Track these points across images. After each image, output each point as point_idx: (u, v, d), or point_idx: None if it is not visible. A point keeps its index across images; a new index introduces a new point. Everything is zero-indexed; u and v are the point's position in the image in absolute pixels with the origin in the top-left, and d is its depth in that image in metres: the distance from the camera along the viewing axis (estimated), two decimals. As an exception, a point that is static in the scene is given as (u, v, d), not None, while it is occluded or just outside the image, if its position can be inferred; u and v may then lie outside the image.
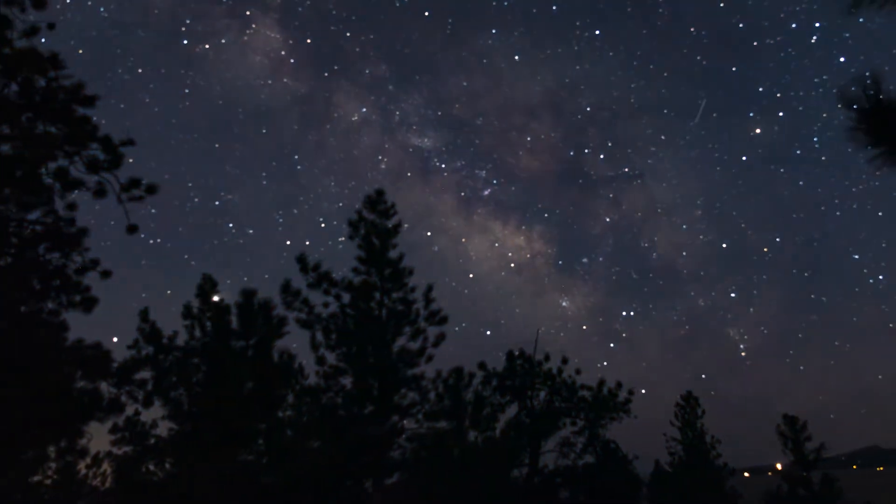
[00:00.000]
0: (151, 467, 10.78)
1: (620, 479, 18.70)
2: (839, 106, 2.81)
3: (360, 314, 12.77)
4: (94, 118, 9.23)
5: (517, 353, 17.99)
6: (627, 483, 19.29)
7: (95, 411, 9.35)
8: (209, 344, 10.74)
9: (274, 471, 9.59)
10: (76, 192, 9.30)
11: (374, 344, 12.58)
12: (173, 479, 9.71)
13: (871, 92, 2.71)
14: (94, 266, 9.65)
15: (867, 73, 2.71)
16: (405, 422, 12.77)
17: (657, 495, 24.17)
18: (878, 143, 2.77)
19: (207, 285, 11.85)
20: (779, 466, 33.05)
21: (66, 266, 9.58)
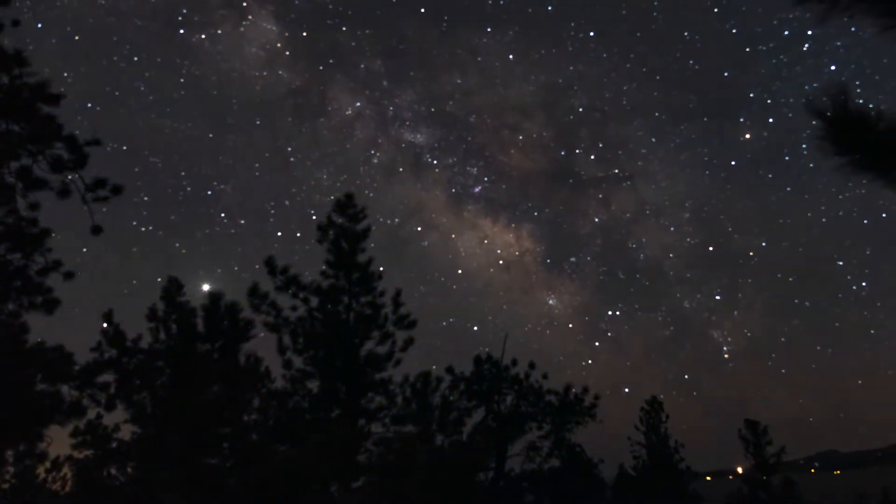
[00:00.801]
0: (113, 471, 10.63)
1: (585, 482, 18.99)
2: (811, 116, 2.87)
3: (328, 318, 12.80)
4: (58, 116, 9.14)
5: (485, 357, 18.16)
6: (592, 486, 19.60)
7: (56, 414, 9.23)
8: (174, 347, 10.66)
9: (239, 474, 9.56)
10: (39, 191, 9.18)
11: (341, 348, 12.62)
12: (135, 483, 9.61)
13: (839, 102, 2.75)
14: (57, 267, 9.53)
15: (835, 84, 2.76)
16: (372, 425, 12.84)
17: (621, 498, 24.56)
18: (843, 153, 2.82)
19: (173, 287, 11.75)
20: (740, 470, 33.85)
21: (28, 267, 9.44)
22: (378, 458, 12.10)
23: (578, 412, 18.81)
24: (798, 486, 30.00)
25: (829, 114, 2.77)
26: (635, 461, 25.49)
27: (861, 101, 2.76)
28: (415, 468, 11.90)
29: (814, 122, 2.84)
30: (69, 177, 9.33)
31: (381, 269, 13.27)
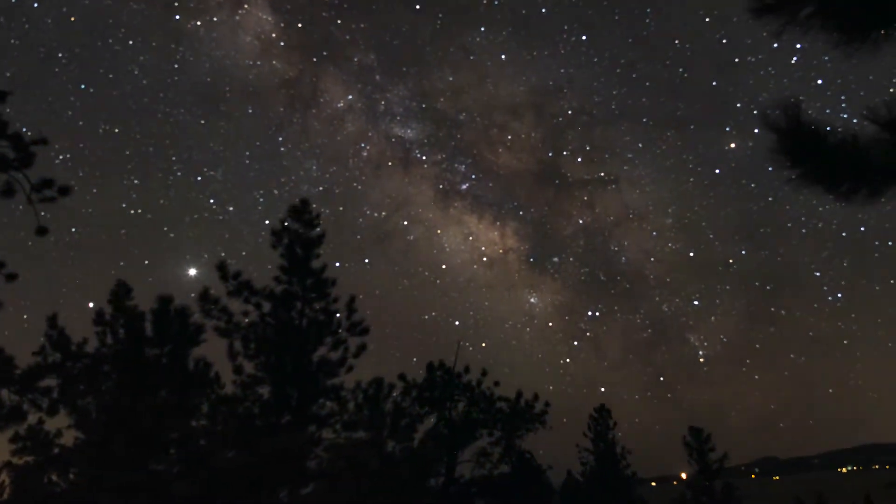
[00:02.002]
0: (54, 478, 10.36)
1: (534, 488, 19.34)
2: (765, 129, 2.96)
3: (280, 323, 12.79)
4: (6, 113, 8.94)
5: (437, 364, 18.35)
6: (540, 492, 19.97)
7: (-6, 419, 8.98)
8: (121, 351, 10.49)
9: (185, 480, 9.46)
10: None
11: (293, 353, 12.62)
12: (77, 490, 9.40)
13: (792, 116, 2.82)
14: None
15: (789, 99, 2.84)
16: (323, 431, 12.86)
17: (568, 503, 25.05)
18: (795, 165, 2.90)
19: (121, 291, 11.57)
20: (684, 476, 34.89)
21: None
22: (328, 464, 12.13)
23: (529, 419, 19.16)
24: (739, 491, 31.15)
25: (782, 127, 2.85)
26: (583, 467, 26.07)
27: (817, 115, 2.86)
28: (365, 474, 11.98)
29: (768, 135, 2.94)
30: (13, 175, 9.13)
31: (335, 277, 13.33)
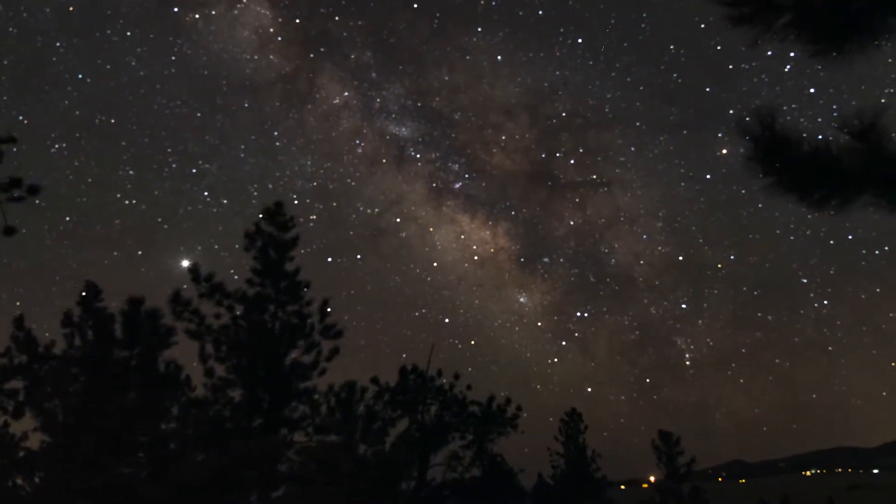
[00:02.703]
0: (19, 481, 10.19)
1: (505, 491, 19.51)
2: (740, 136, 2.97)
3: (252, 326, 12.75)
4: None
5: (410, 368, 18.43)
6: (511, 495, 20.15)
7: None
8: (90, 353, 10.38)
9: (154, 483, 9.39)
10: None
11: (265, 356, 12.59)
12: (44, 494, 9.27)
13: (766, 125, 2.83)
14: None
15: (764, 106, 2.85)
16: (295, 435, 12.84)
17: (539, 507, 25.28)
18: (769, 173, 2.91)
19: (90, 292, 11.44)
20: (653, 479, 35.45)
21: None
22: (300, 467, 12.13)
23: (501, 423, 19.35)
24: (706, 494, 31.75)
25: (757, 135, 2.87)
26: (554, 470, 26.35)
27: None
28: (337, 478, 12.00)
29: (743, 143, 2.95)
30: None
31: (309, 280, 13.34)
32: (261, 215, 13.38)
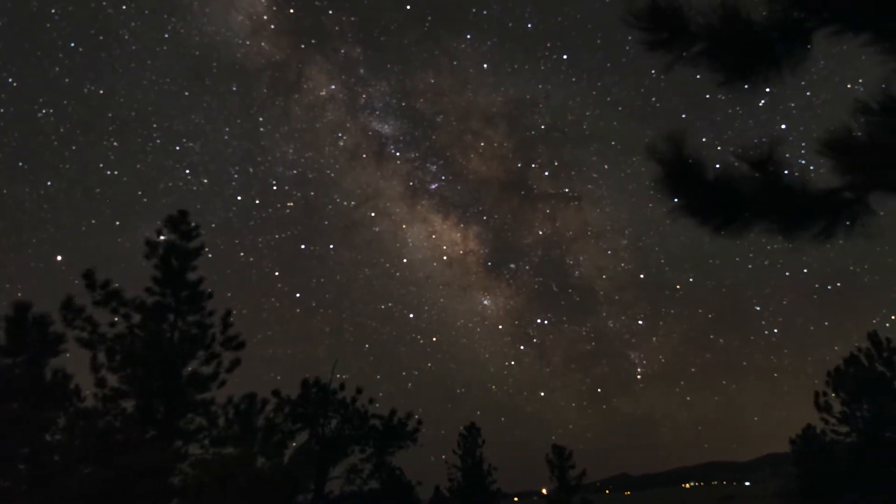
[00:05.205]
0: None
1: (402, 503, 19.79)
2: (650, 160, 2.98)
3: (150, 336, 12.41)
4: None
5: (312, 381, 18.40)
6: (408, 507, 20.45)
7: None
8: (-32, 360, 9.80)
9: (35, 497, 8.98)
10: None
11: (162, 367, 12.29)
12: None
13: (675, 150, 2.89)
14: None
15: (674, 132, 2.91)
16: (190, 447, 12.57)
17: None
18: (676, 196, 2.97)
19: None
20: (545, 491, 36.83)
21: None
22: (193, 479, 11.89)
23: (401, 436, 19.64)
24: (593, 505, 33.45)
25: (666, 158, 2.92)
26: (451, 483, 26.92)
27: (695, 151, 2.89)
28: (231, 490, 11.88)
29: (653, 167, 2.97)
30: None
31: (210, 290, 13.16)
32: (163, 223, 13.10)
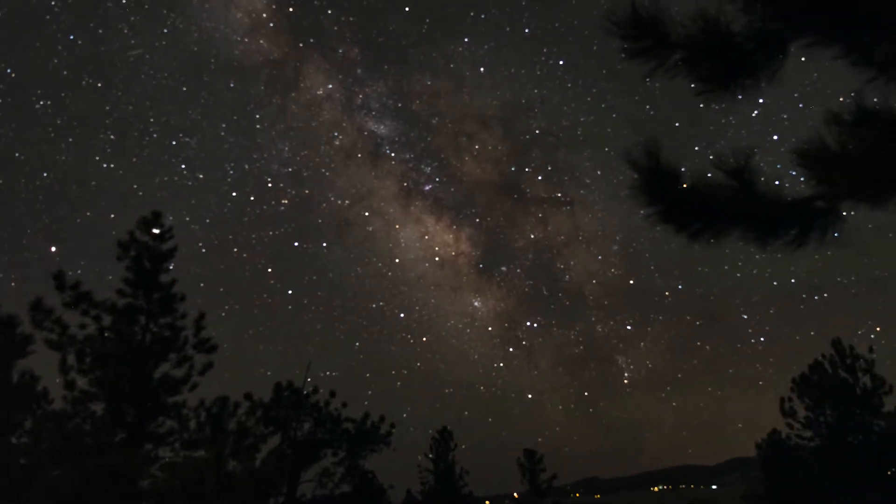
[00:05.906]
0: None
1: (373, 507, 19.83)
2: (628, 167, 2.99)
3: (120, 338, 12.29)
4: None
5: (285, 384, 18.36)
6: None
7: None
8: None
9: (2, 500, 8.86)
10: None
11: (133, 369, 12.17)
12: None
13: (652, 157, 2.90)
14: None
15: (650, 140, 2.94)
16: (161, 450, 12.47)
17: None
18: (652, 204, 2.99)
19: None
20: (516, 495, 37.12)
21: None
22: (163, 483, 11.82)
23: (374, 440, 19.69)
24: (564, 509, 33.77)
25: (643, 166, 2.93)
26: (423, 487, 27.00)
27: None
28: (201, 494, 11.83)
29: (629, 175, 2.98)
30: None
31: (184, 293, 13.08)
32: (136, 224, 12.99)
